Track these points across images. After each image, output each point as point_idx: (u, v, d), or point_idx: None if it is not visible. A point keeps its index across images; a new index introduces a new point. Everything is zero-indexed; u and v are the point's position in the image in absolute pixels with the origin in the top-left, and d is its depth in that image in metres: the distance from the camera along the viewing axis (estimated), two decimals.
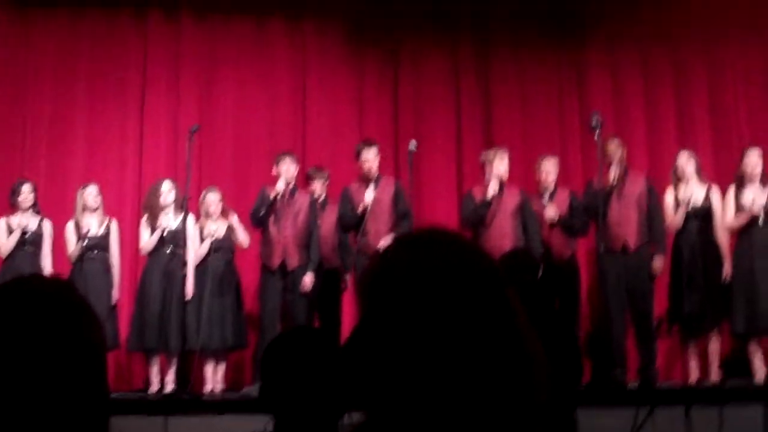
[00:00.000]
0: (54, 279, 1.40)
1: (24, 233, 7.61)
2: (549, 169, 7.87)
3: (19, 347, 1.21)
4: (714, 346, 7.45)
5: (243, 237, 7.82)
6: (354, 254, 7.58)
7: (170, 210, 7.74)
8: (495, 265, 1.34)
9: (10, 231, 7.61)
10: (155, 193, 7.81)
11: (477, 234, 7.52)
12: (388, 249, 1.37)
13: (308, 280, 7.44)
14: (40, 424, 1.20)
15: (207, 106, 9.29)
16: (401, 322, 1.24)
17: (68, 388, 1.23)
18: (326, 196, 8.12)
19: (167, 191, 7.77)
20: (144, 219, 7.83)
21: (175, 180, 7.98)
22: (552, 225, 7.71)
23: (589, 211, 7.68)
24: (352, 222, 7.58)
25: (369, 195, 7.54)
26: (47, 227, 7.78)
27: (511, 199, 7.65)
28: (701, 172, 7.74)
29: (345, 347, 1.34)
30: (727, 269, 7.44)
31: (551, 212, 7.71)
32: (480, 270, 1.30)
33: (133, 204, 8.75)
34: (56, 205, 8.26)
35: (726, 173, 8.18)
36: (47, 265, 7.72)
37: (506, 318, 1.28)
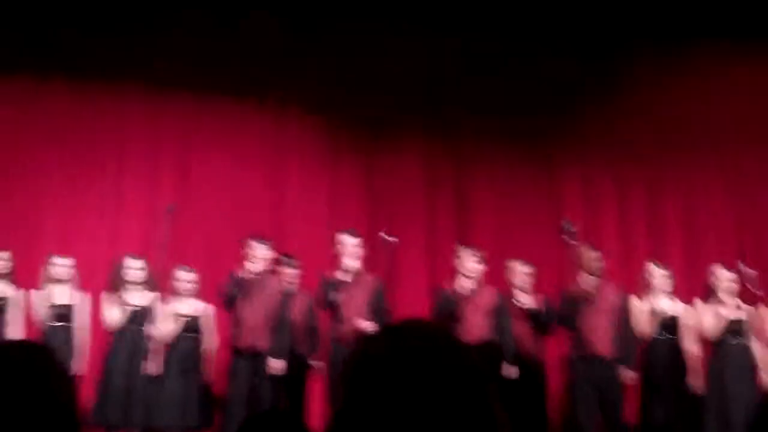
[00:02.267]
0: (30, 343, 1.38)
1: None
2: (525, 272, 7.91)
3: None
4: None
5: (212, 340, 7.82)
6: (330, 342, 7.53)
7: (138, 287, 7.68)
8: (476, 360, 1.35)
9: None
10: (126, 269, 7.76)
11: (448, 329, 7.46)
12: (372, 339, 1.37)
13: (277, 364, 7.37)
14: None
15: (183, 189, 9.35)
16: (382, 409, 1.24)
17: None
18: (296, 284, 8.09)
19: (138, 268, 7.73)
20: (110, 295, 7.76)
21: (144, 257, 7.95)
22: (525, 313, 7.69)
23: (563, 318, 7.70)
24: (329, 304, 7.54)
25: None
26: (20, 297, 7.69)
27: (486, 298, 7.67)
28: (672, 286, 7.80)
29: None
30: (698, 381, 7.44)
31: (524, 299, 7.72)
32: (462, 364, 1.30)
33: (104, 279, 8.67)
34: (29, 276, 8.18)
35: (695, 289, 8.27)
36: (17, 334, 7.61)
37: (483, 410, 1.28)
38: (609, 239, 9.52)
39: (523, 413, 7.20)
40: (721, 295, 7.54)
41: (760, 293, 7.55)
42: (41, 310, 7.60)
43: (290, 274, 8.07)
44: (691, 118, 9.79)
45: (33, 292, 7.70)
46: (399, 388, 1.25)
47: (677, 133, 9.77)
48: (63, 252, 8.11)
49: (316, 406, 8.09)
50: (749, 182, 9.66)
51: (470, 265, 7.70)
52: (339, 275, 7.62)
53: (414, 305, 8.93)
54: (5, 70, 9.26)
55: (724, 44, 9.86)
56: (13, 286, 7.72)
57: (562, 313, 7.73)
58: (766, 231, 9.38)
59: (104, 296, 7.83)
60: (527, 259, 8.28)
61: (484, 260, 7.78)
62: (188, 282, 7.83)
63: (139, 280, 7.71)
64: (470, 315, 7.57)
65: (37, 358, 1.30)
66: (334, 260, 7.82)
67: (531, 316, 7.75)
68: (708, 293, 7.70)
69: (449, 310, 7.58)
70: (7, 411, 1.19)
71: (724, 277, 7.60)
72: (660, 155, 9.80)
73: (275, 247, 8.33)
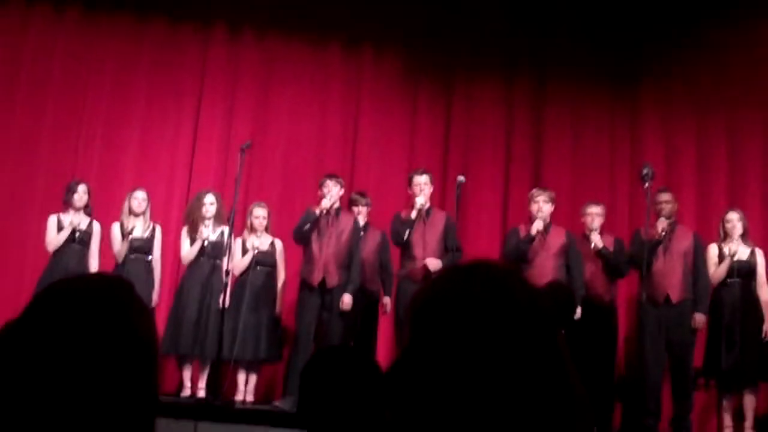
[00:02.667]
0: (111, 276, 1.42)
1: (74, 231, 7.72)
2: (596, 213, 7.83)
3: (76, 343, 1.23)
4: (749, 404, 7.37)
5: (283, 274, 7.96)
6: (399, 278, 7.60)
7: (211, 221, 7.81)
8: (543, 302, 1.34)
9: (61, 228, 7.73)
10: (198, 204, 7.90)
11: (518, 270, 7.46)
12: (440, 277, 1.37)
13: (347, 299, 7.44)
14: (91, 420, 1.22)
15: (260, 124, 9.39)
16: (449, 351, 1.24)
17: (121, 384, 1.25)
18: (368, 221, 8.14)
19: (210, 203, 7.85)
20: (185, 229, 7.92)
21: (219, 193, 8.08)
22: (596, 253, 7.66)
23: (634, 260, 7.64)
24: (401, 240, 7.59)
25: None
26: (96, 227, 7.90)
27: (556, 239, 7.63)
28: (747, 233, 7.70)
29: (390, 371, 1.35)
30: (766, 328, 7.37)
31: (596, 239, 7.68)
32: (530, 307, 1.30)
33: (179, 212, 8.83)
34: (105, 207, 8.35)
35: None
36: (94, 264, 7.84)
37: (553, 356, 1.27)
38: (687, 184, 9.33)
39: (592, 355, 7.20)
40: None
41: None
42: (119, 242, 7.76)
43: (363, 211, 8.12)
44: None
45: (113, 226, 7.88)
46: (465, 330, 1.25)
47: (762, 76, 9.49)
48: (138, 184, 8.27)
49: (385, 343, 8.19)
50: None
51: (541, 205, 7.65)
52: (411, 213, 7.64)
53: (486, 245, 8.94)
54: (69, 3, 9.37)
55: None
56: (89, 218, 7.92)
57: (633, 255, 7.67)
58: None
59: (181, 230, 8.00)
60: (602, 200, 8.21)
61: (553, 201, 7.72)
62: (262, 217, 7.94)
63: (213, 215, 7.83)
64: (541, 256, 7.56)
65: (119, 292, 1.33)
66: (408, 199, 7.85)
67: (602, 256, 7.69)
68: None
69: (519, 250, 7.56)
70: (90, 344, 1.23)
71: None
72: (742, 102, 9.54)
73: (349, 186, 8.40)
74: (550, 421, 1.22)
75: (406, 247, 7.59)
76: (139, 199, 7.90)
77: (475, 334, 1.24)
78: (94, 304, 1.28)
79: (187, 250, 7.81)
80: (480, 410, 1.21)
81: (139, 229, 7.83)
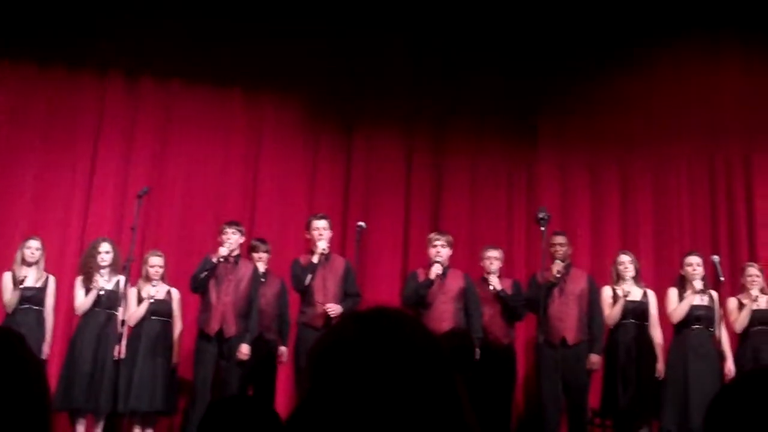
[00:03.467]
0: (2, 329, 1.38)
1: None
2: (494, 256, 7.94)
3: None
4: None
5: (179, 324, 7.84)
6: (299, 325, 7.56)
7: (107, 270, 7.65)
8: (442, 348, 1.35)
9: None
10: (93, 252, 7.73)
11: (417, 315, 7.53)
12: (338, 325, 1.38)
13: (245, 349, 7.35)
14: None
15: (158, 170, 9.28)
16: (348, 397, 1.24)
17: None
18: (267, 268, 8.08)
19: (105, 251, 7.70)
20: (80, 278, 7.73)
21: (116, 241, 7.94)
22: (494, 296, 7.75)
23: (531, 303, 7.76)
24: (302, 286, 7.56)
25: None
26: None
27: (455, 283, 7.70)
28: (639, 275, 7.91)
29: (290, 419, 1.34)
30: (660, 367, 7.55)
31: (495, 281, 7.78)
32: (427, 352, 1.31)
33: (73, 261, 8.63)
34: None
35: (663, 280, 8.38)
36: None
37: (450, 399, 1.29)
38: (581, 227, 9.56)
39: (491, 397, 7.25)
40: (690, 282, 7.62)
41: (723, 280, 7.63)
42: (10, 292, 7.54)
43: (263, 258, 8.06)
44: (664, 109, 9.83)
45: (3, 275, 7.65)
46: (364, 375, 1.25)
47: (651, 123, 9.81)
48: (32, 232, 8.07)
49: (284, 392, 8.11)
50: (720, 172, 9.71)
51: (439, 249, 7.73)
52: (311, 258, 7.63)
53: (387, 290, 8.97)
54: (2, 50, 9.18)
55: (709, 38, 9.94)
56: None
57: (530, 298, 7.80)
58: (739, 221, 9.44)
59: (76, 280, 7.81)
60: (500, 244, 8.34)
61: (450, 244, 7.81)
62: (158, 266, 7.82)
63: (109, 263, 7.67)
64: (439, 299, 7.61)
65: (9, 344, 1.29)
66: (307, 244, 7.84)
67: (500, 299, 7.79)
68: (676, 280, 7.80)
69: (418, 294, 7.61)
70: None
71: (692, 264, 7.67)
72: (633, 146, 9.83)
73: (249, 233, 8.35)
74: None
75: (306, 293, 7.57)
76: (32, 248, 7.70)
77: (373, 379, 1.24)
78: None
79: (81, 301, 7.61)
80: None
81: (32, 278, 7.62)
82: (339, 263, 7.77)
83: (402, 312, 1.40)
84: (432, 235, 7.96)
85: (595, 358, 7.61)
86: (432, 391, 1.27)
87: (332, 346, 1.32)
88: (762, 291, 7.74)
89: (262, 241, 8.24)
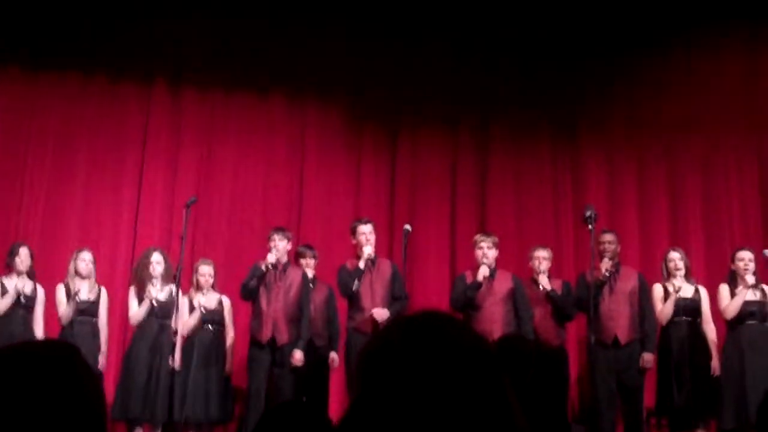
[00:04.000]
0: (57, 342, 1.41)
1: (18, 296, 7.59)
2: (543, 256, 7.91)
3: (24, 411, 1.22)
4: None
5: (232, 332, 7.90)
6: (347, 331, 7.58)
7: (159, 280, 7.73)
8: (490, 351, 1.36)
9: (5, 292, 7.59)
10: (145, 262, 7.81)
11: (467, 317, 7.54)
12: (386, 330, 1.39)
13: (298, 356, 7.39)
14: None
15: (204, 179, 9.35)
16: (397, 401, 1.25)
17: None
18: (315, 274, 8.12)
19: (157, 262, 7.77)
20: (133, 288, 7.82)
21: (165, 251, 8.01)
22: (545, 296, 7.72)
23: (581, 302, 7.71)
24: (350, 291, 7.58)
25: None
26: (40, 292, 7.77)
27: (503, 284, 7.68)
28: (690, 271, 7.83)
29: (341, 424, 1.36)
30: (715, 364, 7.47)
31: (544, 281, 7.75)
32: (475, 355, 1.32)
33: (124, 272, 8.75)
34: (49, 269, 8.24)
35: (715, 276, 8.28)
36: (39, 330, 7.69)
37: (500, 403, 1.29)
38: (630, 224, 9.46)
39: (544, 400, 7.21)
40: (741, 277, 7.53)
41: None
42: (65, 305, 7.64)
43: (310, 264, 8.10)
44: (714, 99, 9.72)
45: (57, 288, 7.75)
46: (412, 380, 1.26)
47: (696, 117, 9.71)
48: (82, 245, 8.18)
49: (337, 398, 8.13)
50: None
51: (486, 251, 7.71)
52: (358, 263, 7.65)
53: (435, 293, 8.96)
54: (11, 60, 9.30)
55: (749, 31, 9.82)
56: (33, 281, 7.78)
57: (580, 297, 7.74)
58: None
59: (129, 290, 7.90)
60: (547, 244, 8.30)
61: (497, 246, 7.78)
62: (208, 275, 7.88)
63: (161, 273, 7.75)
64: (488, 301, 7.59)
65: (66, 358, 1.32)
66: (354, 249, 7.87)
67: (551, 300, 7.76)
68: (729, 276, 7.71)
69: (467, 297, 7.59)
70: (37, 412, 1.22)
71: (744, 259, 7.58)
72: (679, 140, 9.73)
73: (296, 239, 8.39)
74: None
75: (354, 298, 7.60)
76: (86, 260, 7.80)
77: (421, 384, 1.25)
78: (41, 371, 1.27)
79: (136, 311, 7.70)
80: None
81: (85, 291, 7.71)
82: (386, 267, 7.78)
83: (448, 315, 1.41)
84: (478, 237, 7.94)
85: (648, 357, 7.53)
86: (481, 395, 1.27)
87: (379, 351, 1.34)
88: None
89: (309, 247, 8.27)
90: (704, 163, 9.68)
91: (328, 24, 9.75)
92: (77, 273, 7.76)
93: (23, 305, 7.62)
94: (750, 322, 7.43)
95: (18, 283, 7.63)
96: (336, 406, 8.05)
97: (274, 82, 9.75)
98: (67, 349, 1.33)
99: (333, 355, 7.88)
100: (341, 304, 7.88)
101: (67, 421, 1.23)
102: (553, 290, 7.77)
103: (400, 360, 1.29)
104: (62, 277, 7.85)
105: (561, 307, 7.77)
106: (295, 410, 2.44)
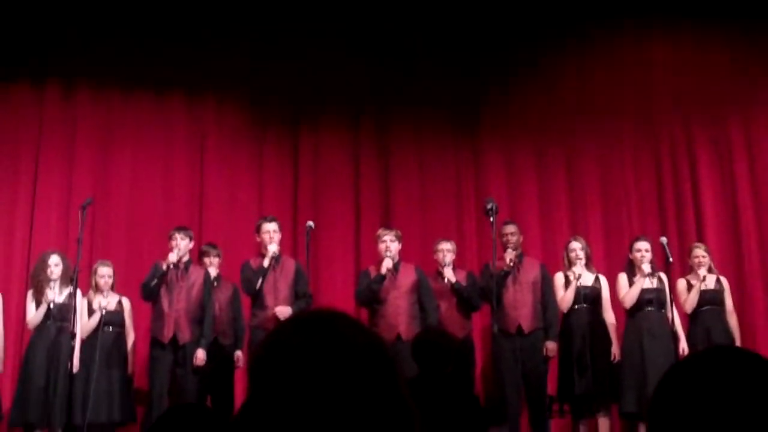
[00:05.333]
0: None
1: None
2: (447, 249, 7.98)
3: None
4: (603, 427, 7.57)
5: (132, 333, 7.78)
6: (250, 329, 7.55)
7: (57, 283, 7.55)
8: (384, 348, 1.35)
9: None
10: (43, 265, 7.63)
11: (372, 311, 7.58)
12: (280, 327, 1.38)
13: (201, 355, 7.32)
14: None
15: (102, 179, 9.16)
16: (288, 399, 1.24)
17: None
18: (219, 273, 8.04)
19: (54, 264, 7.60)
20: (30, 292, 7.64)
21: (64, 253, 7.83)
22: (450, 288, 7.78)
23: (485, 292, 7.80)
24: (253, 289, 7.53)
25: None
26: None
27: (407, 277, 7.73)
28: (591, 260, 7.98)
29: (233, 423, 1.33)
30: (615, 350, 7.63)
31: (449, 273, 7.82)
32: (368, 352, 1.31)
33: (20, 276, 8.53)
34: None
35: (615, 262, 8.49)
36: None
37: (395, 399, 1.28)
38: (531, 215, 9.61)
39: (458, 392, 7.26)
40: (639, 267, 7.71)
41: (672, 261, 7.71)
42: None
43: (214, 262, 8.02)
44: (603, 94, 9.93)
45: None
46: (303, 378, 1.25)
47: (593, 109, 9.90)
48: None
49: (243, 398, 8.05)
50: (664, 154, 9.83)
51: (388, 244, 7.74)
52: (262, 262, 7.61)
53: (341, 290, 8.96)
54: None
55: (642, 22, 10.06)
56: None
57: (484, 288, 7.83)
58: (686, 201, 9.56)
59: (23, 293, 7.71)
60: (451, 236, 8.38)
61: (399, 239, 7.83)
62: (107, 276, 7.74)
63: (59, 276, 7.58)
64: (393, 294, 7.62)
65: None
66: (258, 247, 7.82)
67: (456, 292, 7.83)
68: (627, 265, 7.89)
69: (371, 290, 7.62)
70: None
71: (641, 250, 7.76)
72: (577, 132, 9.90)
73: (198, 237, 8.29)
74: None
75: (257, 297, 7.55)
76: None
77: (312, 382, 1.25)
78: None
79: (33, 315, 7.50)
80: None
81: None
82: (290, 265, 7.76)
83: (342, 313, 1.41)
84: (380, 231, 7.98)
85: (551, 345, 7.67)
86: (373, 393, 1.26)
87: (271, 349, 1.32)
88: (710, 271, 7.85)
89: (213, 245, 8.20)
90: (601, 155, 9.88)
91: (228, 21, 9.66)
92: None
93: None
94: (648, 309, 7.61)
95: None
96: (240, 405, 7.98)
97: (172, 80, 9.59)
98: None
99: (238, 354, 7.83)
100: (246, 301, 7.82)
101: None
102: (458, 282, 7.84)
103: (289, 358, 1.28)
104: None
105: (467, 299, 7.86)
106: (196, 413, 2.39)
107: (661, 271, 7.76)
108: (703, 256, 7.89)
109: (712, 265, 7.93)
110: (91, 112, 9.34)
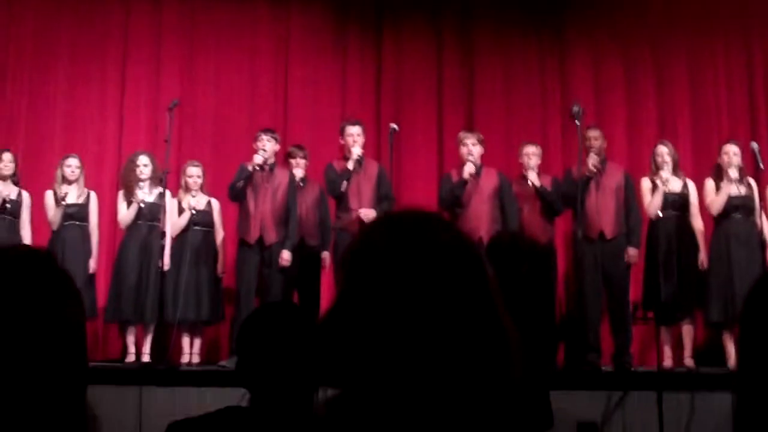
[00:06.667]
0: (35, 249, 1.40)
1: (3, 202, 7.57)
2: (532, 152, 7.90)
3: None
4: (687, 334, 7.53)
5: (221, 233, 7.91)
6: (335, 230, 7.61)
7: (147, 183, 7.71)
8: (475, 248, 1.35)
9: None
10: (132, 166, 7.78)
11: (454, 215, 7.57)
12: (368, 228, 1.39)
13: (286, 255, 7.43)
14: (20, 392, 1.20)
15: (188, 82, 9.25)
16: (379, 299, 1.25)
17: (47, 359, 1.23)
18: (306, 175, 8.10)
19: (144, 165, 7.74)
20: (121, 192, 7.81)
21: (152, 154, 7.97)
22: (534, 192, 7.75)
23: (567, 198, 7.74)
24: (337, 192, 7.59)
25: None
26: (26, 197, 7.76)
27: (489, 181, 7.69)
28: (678, 166, 7.82)
29: (322, 322, 1.35)
30: (702, 258, 7.54)
31: (533, 177, 7.77)
32: (458, 250, 1.31)
33: (111, 176, 8.72)
34: (35, 176, 8.21)
35: (703, 170, 8.28)
36: (26, 235, 7.72)
37: (484, 298, 1.29)
38: (618, 120, 9.42)
39: (534, 296, 7.27)
40: (726, 171, 7.54)
41: (763, 168, 7.52)
42: (53, 210, 7.64)
43: (301, 164, 8.07)
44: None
45: (46, 194, 7.73)
46: (393, 276, 1.25)
47: (683, 12, 9.60)
48: (68, 151, 8.13)
49: (329, 298, 8.19)
50: (757, 59, 9.51)
51: (470, 148, 7.69)
52: (346, 164, 7.64)
53: (423, 194, 8.96)
54: None
55: None
56: (17, 187, 7.78)
57: (566, 193, 7.76)
58: None
59: (114, 194, 7.89)
60: (535, 140, 8.28)
61: (482, 143, 7.77)
62: (196, 176, 7.86)
63: (148, 176, 7.73)
64: (474, 199, 7.61)
65: (44, 265, 1.31)
66: (341, 149, 7.84)
67: (540, 195, 7.77)
68: (714, 170, 7.72)
69: (454, 195, 7.61)
70: (12, 317, 1.21)
71: (729, 153, 7.58)
72: (666, 36, 9.62)
73: (282, 140, 8.34)
74: (480, 361, 1.23)
75: (341, 199, 7.61)
76: (72, 166, 7.78)
77: (403, 280, 1.25)
78: (15, 276, 1.26)
79: (124, 214, 7.70)
80: (410, 355, 1.22)
81: (73, 195, 7.71)
82: (373, 168, 7.77)
83: (431, 213, 1.40)
84: (462, 134, 7.92)
85: (632, 251, 7.60)
86: (463, 292, 1.27)
87: (360, 249, 1.33)
88: None
89: (300, 147, 8.23)
90: (690, 56, 9.60)
91: None
92: (64, 179, 7.73)
93: (8, 211, 7.60)
94: (735, 215, 7.47)
95: (3, 189, 7.60)
96: (327, 305, 8.11)
97: None
98: (42, 257, 1.32)
99: (325, 254, 7.92)
100: (332, 203, 7.89)
101: (42, 328, 1.23)
102: (542, 186, 7.79)
103: (380, 258, 1.29)
104: (50, 183, 7.82)
105: (550, 203, 7.80)
106: (284, 311, 2.44)
107: (752, 177, 7.59)
108: None
109: None
110: (177, 14, 9.38)
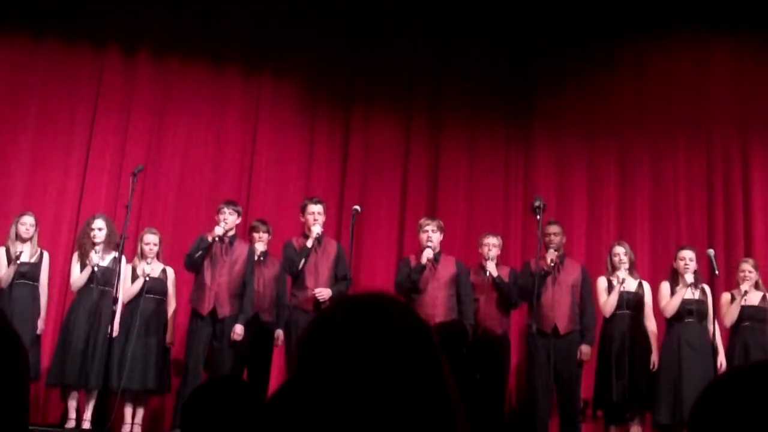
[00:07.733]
0: None
1: None
2: (492, 243, 7.94)
3: None
4: None
5: (173, 303, 7.84)
6: (289, 309, 7.57)
7: (101, 247, 7.63)
8: (431, 334, 1.35)
9: None
10: (88, 229, 7.72)
11: (410, 300, 7.55)
12: (327, 310, 1.39)
13: (239, 329, 7.36)
14: None
15: (155, 148, 9.23)
16: (332, 382, 1.25)
17: None
18: (267, 250, 8.07)
19: (98, 228, 7.67)
20: (75, 254, 7.74)
21: (111, 218, 7.92)
22: (491, 282, 7.75)
23: (524, 291, 7.77)
24: (295, 270, 7.56)
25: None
26: None
27: (447, 269, 7.72)
28: (634, 266, 7.91)
29: (272, 400, 1.34)
30: (654, 360, 7.57)
31: (491, 267, 7.78)
32: (414, 337, 1.31)
33: (69, 237, 8.63)
34: None
35: (660, 272, 8.39)
36: None
37: (436, 386, 1.28)
38: (578, 216, 9.53)
39: (483, 387, 7.25)
40: (682, 276, 7.63)
41: (717, 274, 7.63)
42: (5, 268, 7.53)
43: (263, 238, 8.05)
44: (665, 95, 9.83)
45: None
46: (349, 360, 1.25)
47: (648, 115, 9.81)
48: (27, 207, 8.06)
49: (279, 376, 8.11)
50: (717, 165, 9.71)
51: (430, 234, 7.73)
52: (305, 242, 7.63)
53: (382, 275, 8.96)
54: None
55: (702, 31, 9.95)
56: None
57: (523, 286, 7.80)
58: (736, 214, 9.44)
59: (70, 255, 7.80)
60: (496, 231, 8.34)
61: (441, 230, 7.81)
62: (153, 243, 7.80)
63: (103, 240, 7.66)
64: (432, 285, 7.62)
65: None
66: (302, 226, 7.84)
67: (498, 287, 7.80)
68: (670, 273, 7.81)
69: (411, 280, 7.62)
70: None
71: (685, 259, 7.68)
72: (630, 138, 9.81)
73: (245, 213, 8.33)
74: None
75: (298, 277, 7.58)
76: (27, 224, 7.69)
77: (358, 364, 1.25)
78: None
79: (77, 276, 7.61)
80: None
81: (27, 254, 7.60)
82: (332, 247, 7.78)
83: (390, 297, 1.41)
84: (423, 221, 7.97)
85: (586, 349, 7.63)
86: (417, 377, 1.26)
87: (319, 331, 1.33)
88: (756, 287, 7.75)
89: (263, 222, 8.23)
90: (654, 160, 9.76)
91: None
92: (18, 237, 7.64)
93: None
94: (688, 320, 7.54)
95: None
96: (276, 383, 8.02)
97: (230, 53, 9.64)
98: None
99: (279, 332, 7.83)
100: (289, 280, 7.85)
101: None
102: (499, 277, 7.82)
103: (337, 340, 1.29)
104: (4, 240, 7.72)
105: (507, 295, 7.82)
106: (232, 386, 2.40)
107: (707, 283, 7.68)
108: (749, 271, 7.79)
109: (760, 282, 7.82)
110: (150, 78, 9.41)
